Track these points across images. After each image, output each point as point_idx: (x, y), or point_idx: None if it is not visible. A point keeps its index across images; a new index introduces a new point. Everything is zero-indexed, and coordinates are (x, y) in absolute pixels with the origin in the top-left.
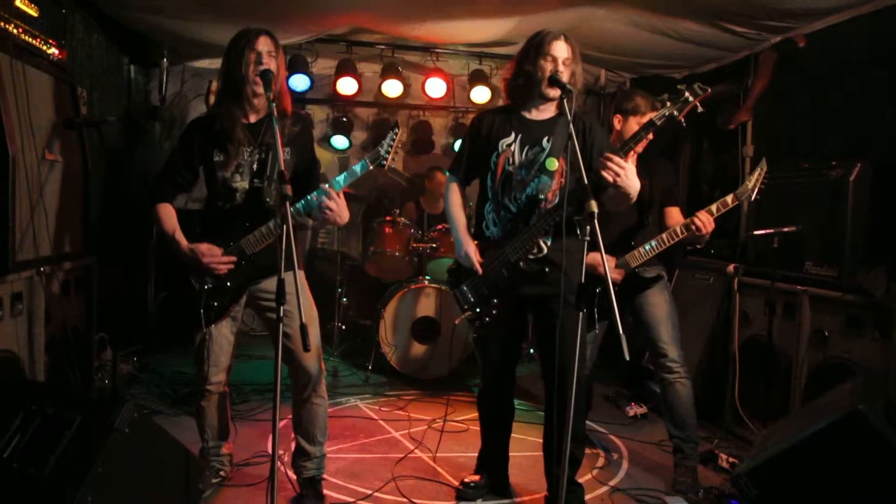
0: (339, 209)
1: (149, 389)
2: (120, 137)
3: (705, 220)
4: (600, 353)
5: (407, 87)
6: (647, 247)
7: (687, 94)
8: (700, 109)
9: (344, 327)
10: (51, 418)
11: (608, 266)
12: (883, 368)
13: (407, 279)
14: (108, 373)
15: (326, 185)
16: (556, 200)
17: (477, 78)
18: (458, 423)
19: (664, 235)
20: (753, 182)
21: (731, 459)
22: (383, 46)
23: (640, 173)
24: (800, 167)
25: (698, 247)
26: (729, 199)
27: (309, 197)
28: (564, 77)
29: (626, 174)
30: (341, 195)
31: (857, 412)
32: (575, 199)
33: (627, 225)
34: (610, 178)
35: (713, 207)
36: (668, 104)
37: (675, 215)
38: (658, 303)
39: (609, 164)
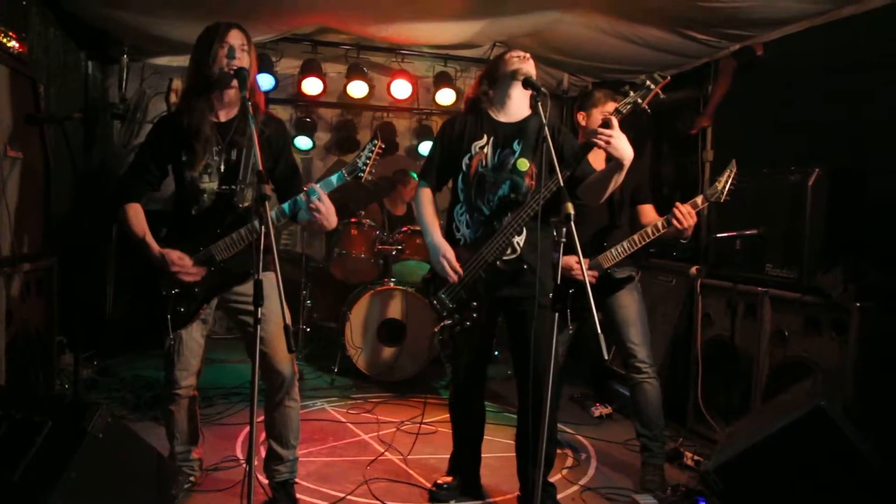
0: (328, 212)
1: (109, 394)
2: (77, 135)
3: (685, 213)
4: (567, 354)
5: (372, 88)
6: (620, 248)
7: (648, 82)
8: (662, 96)
9: (308, 330)
10: (20, 423)
11: (577, 267)
12: (840, 366)
13: (372, 281)
14: (69, 377)
15: (317, 185)
16: (529, 200)
17: (442, 80)
18: (427, 425)
19: (636, 236)
20: (723, 183)
21: (695, 457)
22: (348, 47)
23: None
24: (759, 172)
25: (683, 241)
26: (699, 199)
27: (298, 197)
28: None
29: (618, 139)
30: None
31: (820, 408)
32: (550, 194)
33: (600, 226)
34: (602, 144)
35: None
36: (632, 93)
37: (649, 213)
38: (628, 303)
39: (599, 133)
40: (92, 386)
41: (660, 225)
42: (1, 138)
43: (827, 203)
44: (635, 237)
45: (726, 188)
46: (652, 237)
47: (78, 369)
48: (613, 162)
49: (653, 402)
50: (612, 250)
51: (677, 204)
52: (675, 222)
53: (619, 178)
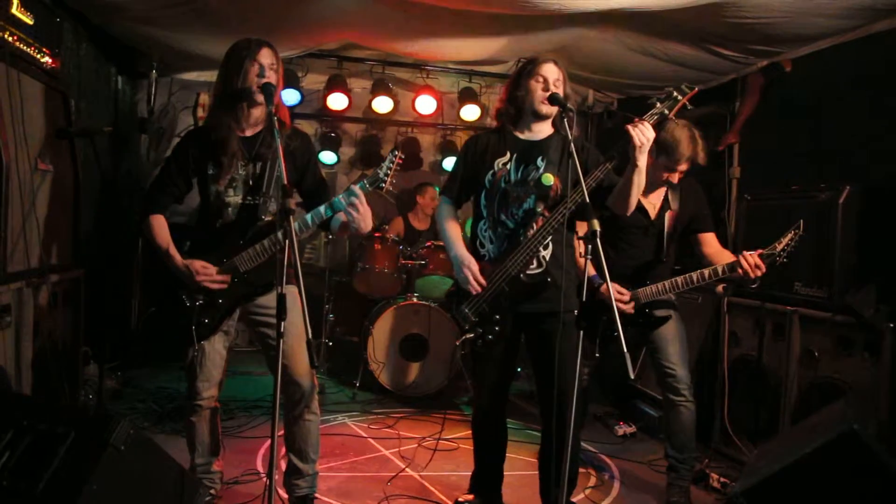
0: (366, 213)
1: (133, 405)
2: (105, 149)
3: (753, 264)
4: (591, 374)
5: (396, 103)
6: (662, 286)
7: (675, 93)
8: (689, 107)
9: (331, 344)
10: (43, 434)
11: (616, 294)
12: (872, 388)
13: (395, 296)
14: (93, 388)
15: (356, 187)
16: (555, 212)
17: (466, 96)
18: (448, 442)
19: (680, 279)
20: (783, 245)
21: (722, 479)
22: (374, 62)
23: (671, 201)
24: (789, 189)
25: (752, 287)
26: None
27: (336, 198)
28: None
29: (648, 138)
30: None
31: (852, 431)
32: (574, 206)
33: (644, 259)
34: (635, 134)
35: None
36: (658, 105)
37: (711, 242)
38: (667, 322)
39: (639, 125)
40: (116, 397)
41: (707, 273)
42: (32, 152)
43: (858, 221)
44: (678, 281)
45: (786, 250)
46: (696, 284)
47: (102, 380)
48: (629, 168)
49: (687, 427)
50: (652, 287)
51: (744, 254)
52: (740, 272)
53: (640, 181)
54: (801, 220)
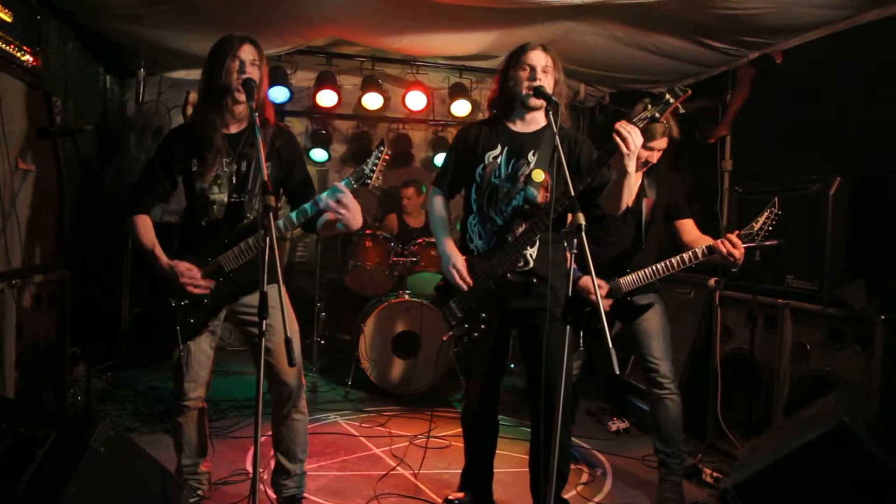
0: (354, 209)
1: (122, 406)
2: (94, 148)
3: (731, 243)
4: (582, 368)
5: (387, 99)
6: (643, 274)
7: (668, 95)
8: (682, 111)
9: (323, 342)
10: (23, 437)
11: (600, 291)
12: (864, 381)
13: (386, 293)
14: (82, 389)
15: (340, 184)
16: (542, 212)
17: (457, 91)
18: (440, 440)
19: (660, 265)
20: (760, 224)
21: (715, 474)
22: (363, 59)
23: (647, 189)
24: (780, 181)
25: (733, 269)
26: (732, 237)
27: (320, 196)
28: (545, 85)
29: (636, 145)
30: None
31: (843, 425)
32: (561, 208)
33: (623, 247)
34: (623, 148)
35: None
36: (650, 107)
37: (690, 229)
38: (650, 316)
39: (625, 132)
40: (106, 398)
41: (686, 257)
42: (12, 151)
43: (849, 213)
44: (659, 266)
45: (763, 229)
46: (677, 268)
47: (90, 381)
48: (618, 173)
49: (673, 419)
50: (633, 275)
51: (728, 236)
52: (724, 253)
53: (630, 185)
54: (776, 199)
